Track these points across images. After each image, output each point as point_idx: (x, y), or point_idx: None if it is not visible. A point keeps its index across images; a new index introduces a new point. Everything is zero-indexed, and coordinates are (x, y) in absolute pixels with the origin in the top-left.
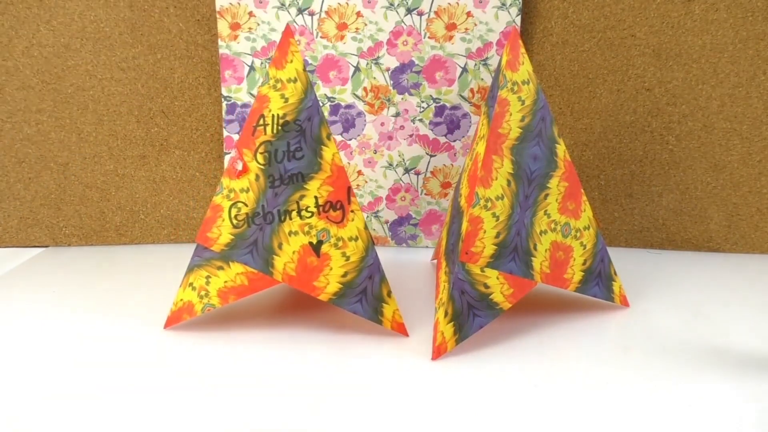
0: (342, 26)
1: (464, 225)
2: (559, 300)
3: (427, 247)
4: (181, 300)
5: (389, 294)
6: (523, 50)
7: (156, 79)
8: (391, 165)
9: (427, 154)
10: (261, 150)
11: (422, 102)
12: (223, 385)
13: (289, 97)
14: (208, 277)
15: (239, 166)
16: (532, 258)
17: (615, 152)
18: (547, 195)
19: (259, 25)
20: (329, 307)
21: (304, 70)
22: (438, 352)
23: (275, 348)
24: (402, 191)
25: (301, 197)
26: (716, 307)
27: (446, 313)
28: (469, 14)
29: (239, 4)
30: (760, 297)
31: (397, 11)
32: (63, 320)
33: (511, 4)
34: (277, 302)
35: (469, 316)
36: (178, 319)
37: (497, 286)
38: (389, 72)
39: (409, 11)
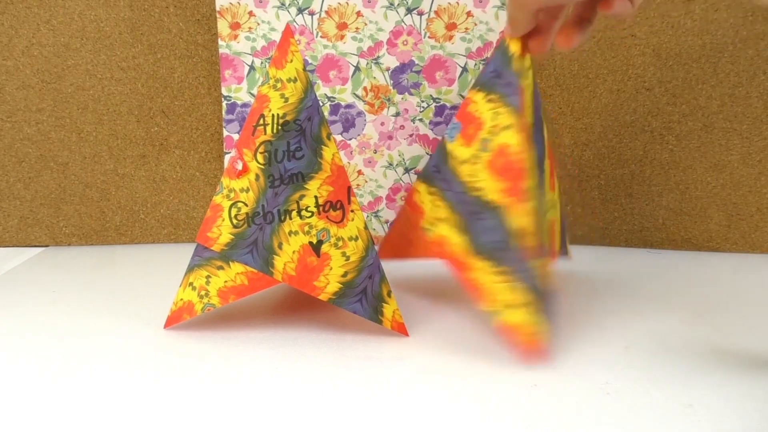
0: (342, 26)
1: (522, 220)
2: (560, 298)
3: None
4: (181, 300)
5: (389, 294)
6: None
7: (156, 79)
8: (391, 165)
9: (427, 153)
10: (261, 150)
11: (422, 102)
12: (223, 385)
13: (289, 97)
14: (208, 276)
15: (239, 166)
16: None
17: (615, 152)
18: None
19: (259, 24)
20: (329, 307)
21: (304, 69)
22: (536, 353)
23: (275, 348)
24: (402, 191)
25: (301, 197)
26: (716, 307)
27: (530, 311)
28: (469, 14)
29: (239, 3)
30: (760, 297)
31: (397, 11)
32: (63, 320)
33: None
34: (277, 302)
35: (546, 307)
36: (178, 318)
37: (546, 275)
38: (389, 72)
39: (409, 11)
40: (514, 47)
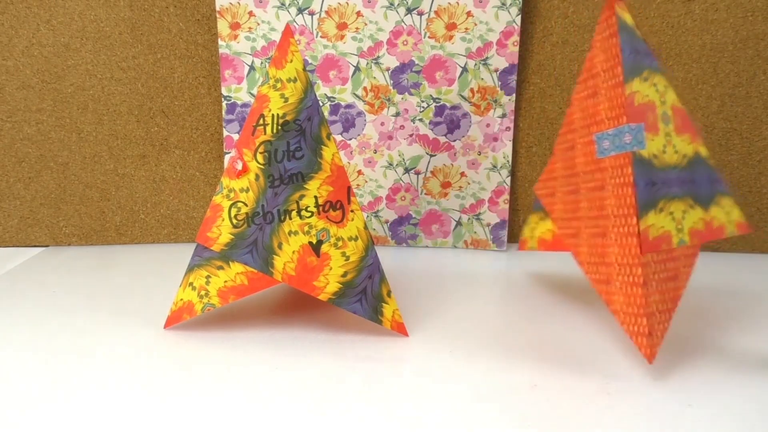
0: (342, 26)
1: (705, 148)
2: (559, 298)
3: (426, 246)
4: (181, 300)
5: (389, 294)
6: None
7: (156, 79)
8: (391, 165)
9: (427, 153)
10: (261, 150)
11: (422, 102)
12: (223, 385)
13: (289, 97)
14: (208, 276)
15: (239, 166)
16: None
17: None
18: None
19: (259, 24)
20: (329, 307)
21: (304, 69)
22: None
23: (275, 348)
24: (402, 191)
25: (301, 197)
26: (716, 307)
27: (738, 206)
28: (469, 14)
29: (239, 3)
30: (760, 297)
31: (397, 11)
32: (63, 320)
33: (511, 4)
34: (277, 302)
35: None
36: (178, 318)
37: None
38: (389, 72)
39: (409, 11)
40: (629, 17)
